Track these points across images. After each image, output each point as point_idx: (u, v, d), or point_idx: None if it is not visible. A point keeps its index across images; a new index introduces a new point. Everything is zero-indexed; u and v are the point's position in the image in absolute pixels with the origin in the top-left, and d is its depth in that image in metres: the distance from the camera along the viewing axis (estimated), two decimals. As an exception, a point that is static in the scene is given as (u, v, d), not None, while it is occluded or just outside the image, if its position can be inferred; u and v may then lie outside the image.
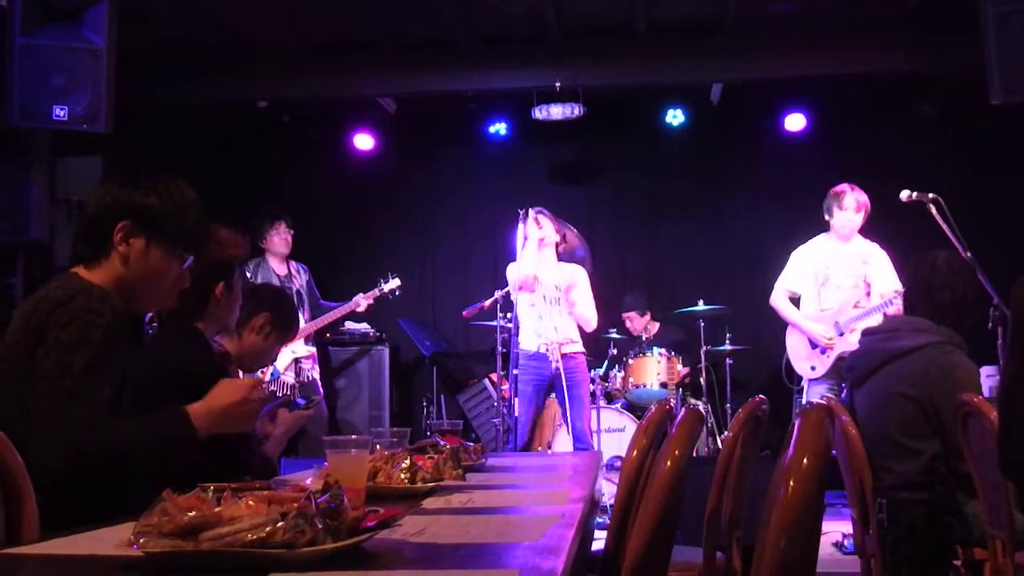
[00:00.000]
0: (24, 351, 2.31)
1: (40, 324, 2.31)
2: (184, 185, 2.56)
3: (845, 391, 4.76)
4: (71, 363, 2.25)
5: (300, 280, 7.59)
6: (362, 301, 7.52)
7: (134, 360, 2.48)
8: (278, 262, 7.56)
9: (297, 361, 7.36)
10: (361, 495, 1.99)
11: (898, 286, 6.16)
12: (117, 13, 5.78)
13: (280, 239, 7.53)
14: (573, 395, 6.34)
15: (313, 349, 7.57)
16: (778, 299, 6.50)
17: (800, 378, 6.55)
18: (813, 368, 6.31)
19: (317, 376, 7.57)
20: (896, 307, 5.97)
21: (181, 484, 1.49)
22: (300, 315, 7.32)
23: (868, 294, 6.21)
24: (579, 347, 6.46)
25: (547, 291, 6.36)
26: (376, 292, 7.56)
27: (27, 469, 2.13)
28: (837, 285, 6.28)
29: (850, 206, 6.18)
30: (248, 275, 7.31)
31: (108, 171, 6.29)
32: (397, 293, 7.66)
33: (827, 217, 6.30)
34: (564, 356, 6.32)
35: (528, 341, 6.39)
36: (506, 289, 6.56)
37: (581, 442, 6.29)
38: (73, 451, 2.21)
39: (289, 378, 7.27)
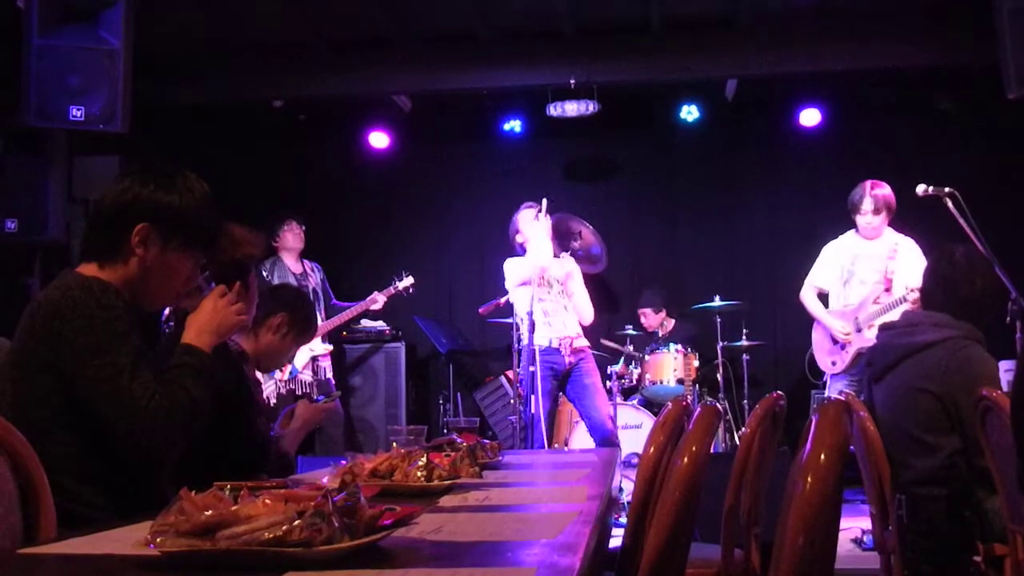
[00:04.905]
0: (34, 352, 2.33)
1: (48, 329, 2.31)
2: (197, 178, 2.55)
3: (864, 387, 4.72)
4: (115, 362, 2.28)
5: (315, 279, 7.67)
6: (379, 298, 7.60)
7: (152, 358, 2.48)
8: (293, 260, 7.63)
9: (315, 359, 7.40)
10: None
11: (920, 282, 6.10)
12: (133, 13, 5.81)
13: (294, 236, 7.64)
14: (591, 384, 6.26)
15: (330, 347, 7.60)
16: (805, 294, 6.50)
17: (823, 373, 6.53)
18: (833, 363, 6.29)
19: (331, 375, 7.60)
20: (912, 302, 5.91)
21: (199, 482, 1.50)
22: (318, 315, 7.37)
23: (888, 289, 6.16)
24: (585, 341, 6.41)
25: (552, 284, 6.32)
26: (391, 290, 7.64)
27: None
28: (861, 281, 6.24)
29: (868, 209, 6.14)
30: (265, 274, 7.37)
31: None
32: (411, 291, 7.75)
33: (852, 215, 6.27)
34: (575, 351, 6.27)
35: (539, 336, 6.32)
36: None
37: (603, 432, 6.14)
38: (167, 431, 2.32)
39: (307, 376, 7.31)
